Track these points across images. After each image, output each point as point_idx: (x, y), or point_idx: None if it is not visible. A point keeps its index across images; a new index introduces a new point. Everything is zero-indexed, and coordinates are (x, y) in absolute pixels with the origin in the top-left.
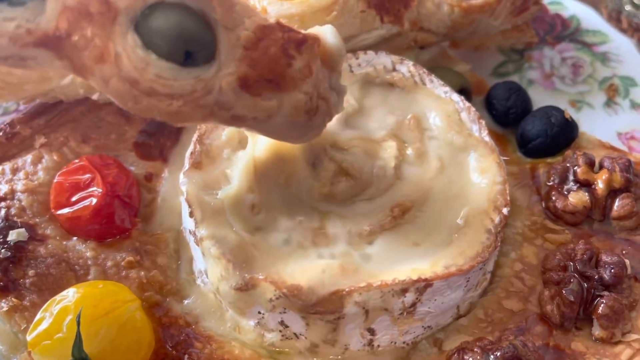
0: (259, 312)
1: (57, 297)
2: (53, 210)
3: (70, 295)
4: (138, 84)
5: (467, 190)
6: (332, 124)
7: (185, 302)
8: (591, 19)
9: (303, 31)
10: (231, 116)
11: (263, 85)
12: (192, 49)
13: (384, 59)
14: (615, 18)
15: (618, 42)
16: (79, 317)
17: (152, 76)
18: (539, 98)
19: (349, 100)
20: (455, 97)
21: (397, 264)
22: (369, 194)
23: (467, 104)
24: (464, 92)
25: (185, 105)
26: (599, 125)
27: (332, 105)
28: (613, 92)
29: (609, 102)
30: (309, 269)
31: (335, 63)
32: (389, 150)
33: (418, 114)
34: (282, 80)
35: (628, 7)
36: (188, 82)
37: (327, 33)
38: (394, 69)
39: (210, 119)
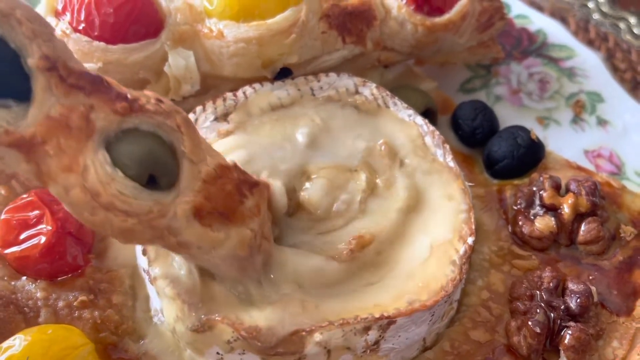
0: (218, 353)
1: (4, 344)
2: (0, 249)
3: (17, 343)
4: (99, 196)
5: (432, 219)
6: (301, 150)
7: (142, 342)
8: (558, 33)
9: (255, 177)
10: (177, 242)
11: (215, 217)
12: (156, 173)
13: (347, 81)
14: (583, 27)
15: (584, 56)
16: None
17: (114, 191)
18: (507, 115)
19: (314, 119)
20: (419, 120)
21: (356, 301)
22: (324, 227)
23: (431, 127)
24: (430, 112)
25: (139, 224)
26: (566, 143)
27: (270, 248)
28: (580, 108)
29: (576, 119)
30: (268, 308)
31: (276, 215)
32: (358, 183)
33: (389, 139)
34: (233, 214)
35: (596, 16)
36: (146, 203)
37: (276, 187)
38: (357, 92)
39: (157, 242)
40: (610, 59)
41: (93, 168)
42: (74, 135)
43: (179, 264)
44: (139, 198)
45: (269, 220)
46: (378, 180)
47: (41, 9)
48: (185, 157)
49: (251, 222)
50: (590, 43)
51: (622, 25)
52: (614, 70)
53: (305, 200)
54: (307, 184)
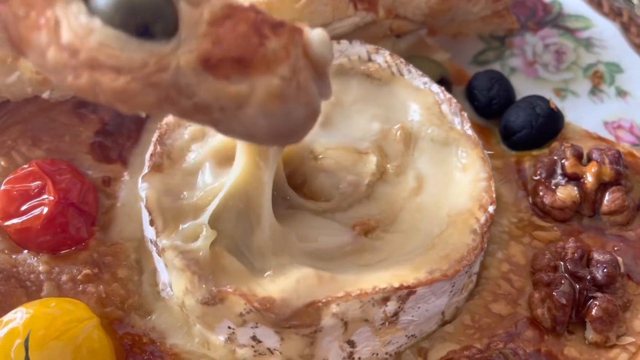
0: (229, 327)
1: (5, 318)
2: (0, 221)
3: (18, 316)
4: (78, 52)
5: (451, 188)
6: (314, 130)
7: (149, 317)
8: (573, 3)
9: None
10: (194, 105)
11: (230, 65)
12: (145, 19)
13: (359, 49)
14: (597, 2)
15: (602, 26)
16: (27, 341)
17: (94, 44)
18: (522, 87)
19: None
20: (435, 88)
21: (373, 272)
22: (327, 207)
23: (448, 95)
24: (444, 82)
25: (134, 81)
26: (584, 115)
27: (315, 100)
28: (598, 79)
29: (594, 90)
30: (281, 279)
31: (319, 63)
32: (367, 166)
33: (408, 119)
34: (252, 60)
35: None
36: (138, 55)
37: (313, 30)
38: (370, 59)
39: (167, 106)
40: (624, 34)
41: (66, 20)
42: None
43: (188, 235)
44: (126, 49)
45: (307, 69)
46: (388, 166)
47: None
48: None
49: (279, 68)
50: (604, 17)
51: (635, 0)
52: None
53: (314, 184)
54: (315, 163)
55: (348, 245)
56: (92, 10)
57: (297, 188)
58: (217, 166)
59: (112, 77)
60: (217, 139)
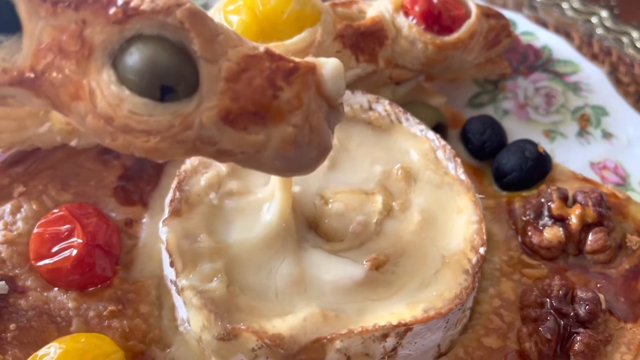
0: None
1: (40, 352)
2: (33, 262)
3: (52, 351)
4: (112, 120)
5: (445, 229)
6: (322, 172)
7: (168, 350)
8: (562, 48)
9: (297, 59)
10: (217, 151)
11: (247, 118)
12: (168, 83)
13: (360, 98)
14: (587, 42)
15: (589, 71)
16: None
17: (126, 112)
18: (514, 128)
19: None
20: (431, 135)
21: (373, 311)
22: (339, 247)
23: (443, 142)
24: (440, 127)
25: (163, 141)
26: (572, 155)
27: (326, 139)
28: (585, 121)
29: (582, 132)
30: (290, 318)
31: (331, 99)
32: (374, 205)
33: (406, 163)
34: (267, 113)
35: (599, 31)
36: (165, 118)
37: (326, 65)
38: (370, 108)
39: (194, 154)
40: (613, 73)
41: (99, 90)
42: (73, 59)
43: (205, 276)
44: (154, 114)
45: (320, 108)
46: (394, 204)
47: None
48: (201, 57)
49: (292, 117)
50: (594, 57)
51: (625, 39)
52: (618, 83)
53: (324, 225)
54: (326, 207)
55: (361, 281)
56: (121, 78)
57: (312, 230)
58: (237, 218)
59: (144, 138)
60: (237, 199)
